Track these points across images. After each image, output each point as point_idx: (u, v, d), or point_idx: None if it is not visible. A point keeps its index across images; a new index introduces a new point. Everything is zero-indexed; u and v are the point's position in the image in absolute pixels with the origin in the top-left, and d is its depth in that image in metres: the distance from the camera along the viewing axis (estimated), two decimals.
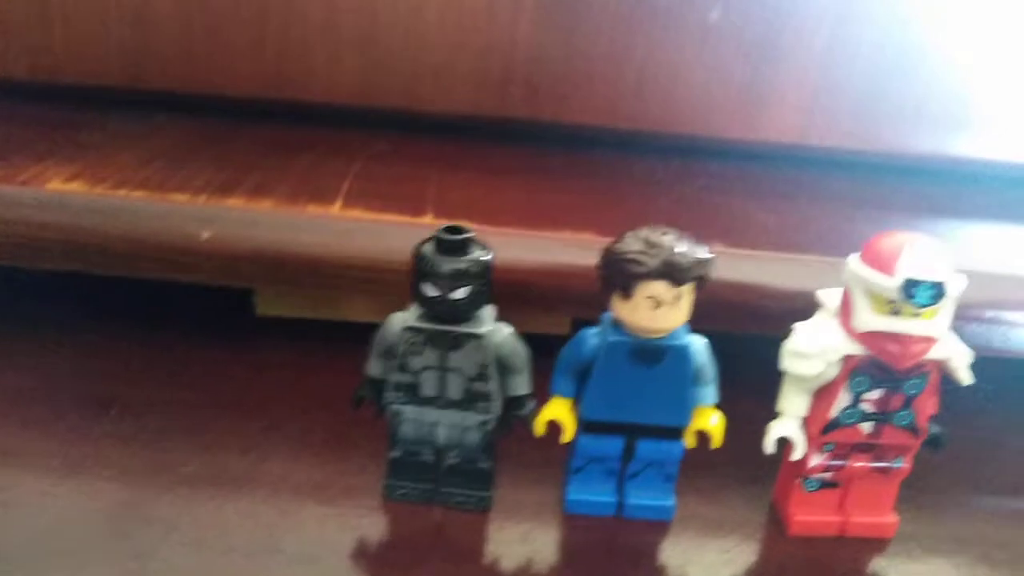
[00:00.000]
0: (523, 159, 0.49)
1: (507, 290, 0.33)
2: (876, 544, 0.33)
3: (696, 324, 0.30)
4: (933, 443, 0.31)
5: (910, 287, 0.27)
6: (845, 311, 0.29)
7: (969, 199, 0.49)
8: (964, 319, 0.34)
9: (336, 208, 0.39)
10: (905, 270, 0.27)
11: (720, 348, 0.31)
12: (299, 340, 0.43)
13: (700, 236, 0.29)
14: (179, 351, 0.42)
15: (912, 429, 0.31)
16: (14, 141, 0.44)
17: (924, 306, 0.27)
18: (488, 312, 0.30)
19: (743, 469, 0.35)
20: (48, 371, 0.39)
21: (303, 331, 0.44)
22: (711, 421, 0.31)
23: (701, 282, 0.28)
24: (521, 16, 0.48)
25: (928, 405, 0.30)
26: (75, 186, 0.39)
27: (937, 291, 0.27)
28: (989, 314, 0.39)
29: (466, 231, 0.28)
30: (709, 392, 0.31)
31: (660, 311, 0.28)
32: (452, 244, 0.28)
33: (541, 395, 0.32)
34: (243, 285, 0.40)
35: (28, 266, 0.39)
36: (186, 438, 0.35)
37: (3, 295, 0.44)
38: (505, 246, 0.33)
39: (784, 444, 0.31)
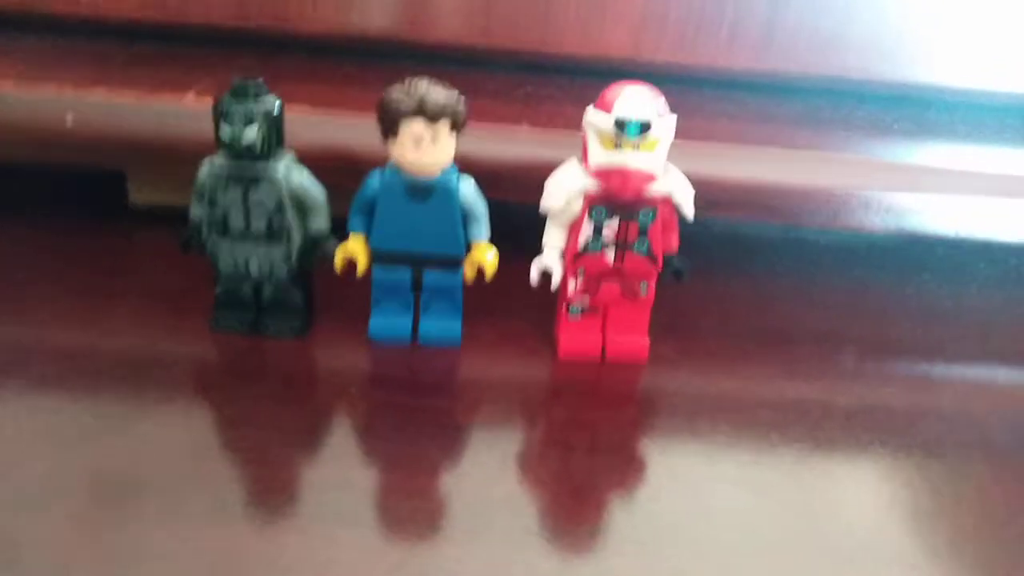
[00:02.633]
0: (378, 73, 0.54)
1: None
2: (636, 365, 0.39)
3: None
4: (676, 274, 0.37)
5: (622, 122, 0.33)
6: (584, 153, 0.35)
7: (773, 108, 0.55)
8: None
9: (189, 97, 0.45)
10: (618, 110, 0.33)
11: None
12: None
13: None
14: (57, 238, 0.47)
15: (650, 256, 0.37)
16: None
17: (634, 138, 0.33)
18: (286, 156, 0.35)
19: (530, 307, 0.41)
20: None
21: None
22: (487, 256, 0.37)
23: (455, 123, 0.34)
24: None
25: (663, 237, 0.36)
26: None
27: (644, 125, 0.33)
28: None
29: (256, 79, 0.33)
30: (480, 229, 0.36)
31: (421, 148, 0.34)
32: (243, 90, 0.33)
33: None
34: (108, 166, 0.45)
35: None
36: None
37: None
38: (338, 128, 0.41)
39: (547, 275, 0.37)
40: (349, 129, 0.44)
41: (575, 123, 0.42)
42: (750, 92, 0.55)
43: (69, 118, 0.43)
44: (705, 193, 0.38)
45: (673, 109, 0.35)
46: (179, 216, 0.48)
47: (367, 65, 0.55)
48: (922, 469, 0.34)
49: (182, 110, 0.44)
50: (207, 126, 0.44)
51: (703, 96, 0.54)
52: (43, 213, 0.49)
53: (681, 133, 0.35)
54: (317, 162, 0.39)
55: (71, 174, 0.45)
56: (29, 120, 0.43)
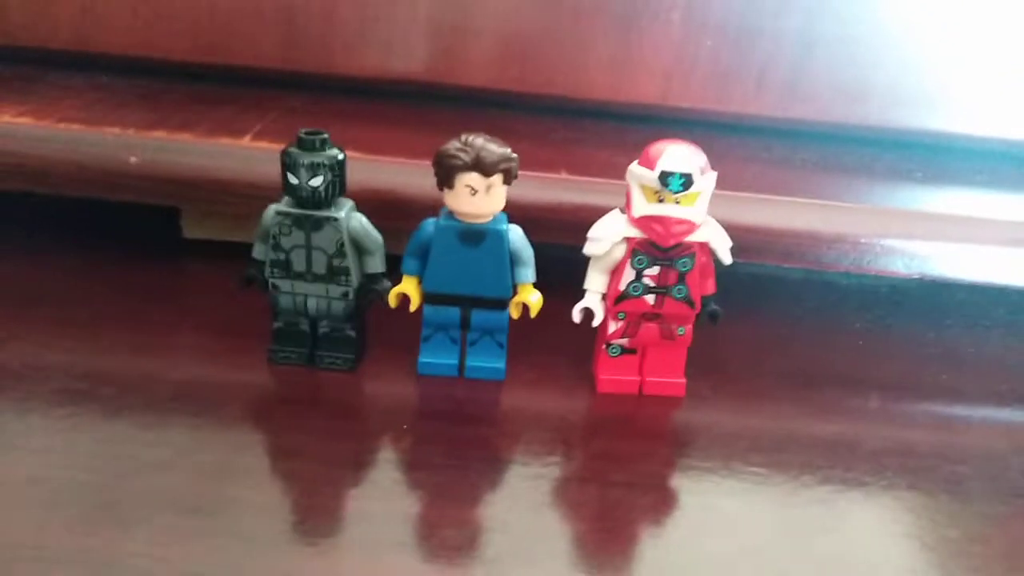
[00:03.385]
0: (419, 115, 0.57)
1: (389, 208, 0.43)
2: (672, 401, 0.41)
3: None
4: (712, 317, 0.39)
5: (665, 177, 0.35)
6: (628, 204, 0.37)
7: (798, 154, 0.57)
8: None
9: (246, 140, 0.47)
10: (662, 164, 0.35)
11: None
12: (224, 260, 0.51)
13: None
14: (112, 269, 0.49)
15: (687, 301, 0.39)
16: None
17: (676, 192, 0.35)
18: (346, 203, 0.38)
19: (570, 345, 0.43)
20: None
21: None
22: (531, 297, 0.39)
23: (508, 176, 0.36)
24: None
25: (700, 282, 0.38)
26: (23, 120, 0.46)
27: (686, 180, 0.35)
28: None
29: (322, 132, 0.36)
30: (527, 272, 0.38)
31: (476, 198, 0.36)
32: (310, 142, 0.35)
33: None
34: (167, 203, 0.48)
35: None
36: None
37: None
38: (386, 172, 0.44)
39: (588, 315, 0.39)
40: (393, 172, 0.46)
41: (607, 167, 0.44)
42: (776, 138, 0.57)
43: (133, 159, 0.45)
44: (735, 239, 0.40)
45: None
46: (229, 250, 0.51)
47: (407, 107, 0.58)
48: (947, 509, 0.35)
49: (238, 151, 0.46)
50: (259, 166, 0.46)
51: (730, 142, 0.56)
52: (98, 244, 0.51)
53: None
54: (361, 203, 0.40)
55: (125, 207, 0.48)
56: (95, 159, 0.46)
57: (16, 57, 0.57)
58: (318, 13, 0.57)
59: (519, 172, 0.37)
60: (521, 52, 0.58)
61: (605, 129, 0.58)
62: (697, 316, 0.39)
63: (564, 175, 0.47)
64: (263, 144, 0.47)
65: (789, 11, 0.55)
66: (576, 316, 0.39)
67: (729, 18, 0.56)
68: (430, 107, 0.59)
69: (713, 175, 0.36)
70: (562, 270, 0.40)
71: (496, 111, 0.59)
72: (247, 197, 0.46)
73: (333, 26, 0.57)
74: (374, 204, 0.42)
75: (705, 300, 0.39)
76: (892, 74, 0.56)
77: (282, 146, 0.36)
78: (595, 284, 0.39)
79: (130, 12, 0.55)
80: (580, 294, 0.40)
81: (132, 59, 0.57)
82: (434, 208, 0.40)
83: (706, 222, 0.37)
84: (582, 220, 0.41)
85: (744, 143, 0.56)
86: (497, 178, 0.36)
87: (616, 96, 0.58)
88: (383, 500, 0.33)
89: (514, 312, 0.39)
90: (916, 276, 0.47)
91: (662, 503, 0.35)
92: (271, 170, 0.44)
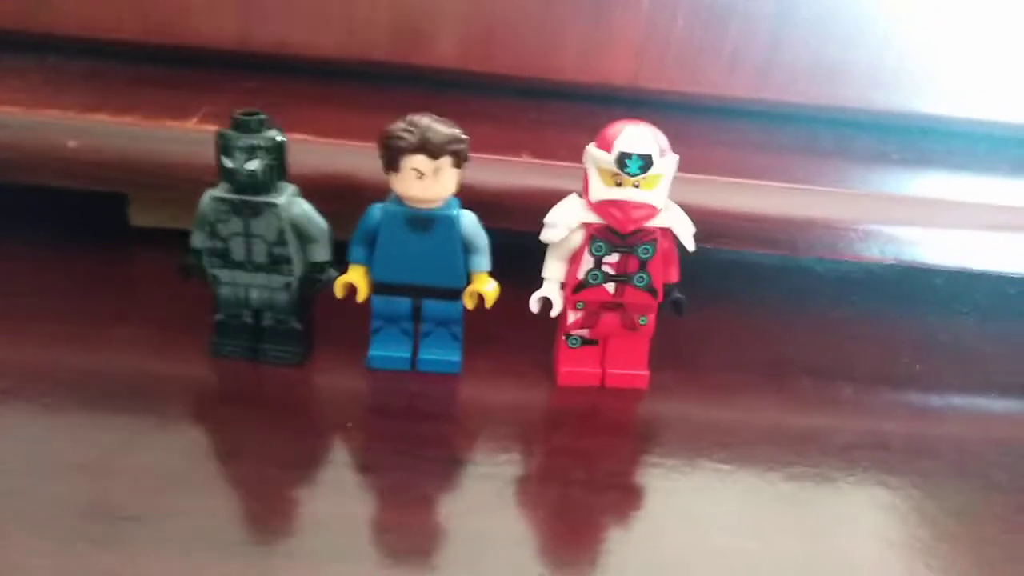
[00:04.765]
0: (381, 96, 0.55)
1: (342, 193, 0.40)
2: (635, 393, 0.39)
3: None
4: (676, 306, 0.38)
5: (623, 159, 0.33)
6: (585, 188, 0.36)
7: (773, 136, 0.55)
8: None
9: (192, 123, 0.45)
10: (620, 146, 0.33)
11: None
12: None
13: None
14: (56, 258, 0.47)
15: (649, 290, 0.37)
16: None
17: (635, 175, 0.33)
18: (287, 188, 0.36)
19: (529, 337, 0.40)
20: None
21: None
22: (487, 287, 0.37)
23: (457, 158, 0.34)
24: None
25: (662, 270, 0.37)
26: None
27: (645, 162, 0.33)
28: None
29: (259, 113, 0.34)
30: (481, 260, 0.37)
31: (423, 182, 0.34)
32: (246, 123, 0.33)
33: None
34: (107, 189, 0.45)
35: None
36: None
37: None
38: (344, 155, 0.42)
39: (546, 305, 0.37)
40: (350, 155, 0.44)
41: (575, 150, 0.42)
42: (750, 120, 0.55)
43: (72, 142, 0.43)
44: (704, 225, 0.38)
45: (673, 137, 0.35)
46: (179, 238, 0.48)
47: (368, 89, 0.56)
48: (921, 503, 0.34)
49: (185, 135, 0.44)
50: (209, 151, 0.44)
51: (703, 124, 0.54)
52: (42, 232, 0.49)
53: (681, 163, 0.36)
54: (317, 188, 0.39)
55: (71, 194, 0.45)
56: (33, 143, 0.43)
57: None
58: None
59: (482, 155, 0.35)
60: (488, 32, 0.56)
61: (574, 111, 0.56)
62: (660, 305, 0.37)
63: (527, 158, 0.45)
64: (211, 127, 0.44)
65: None
66: (534, 306, 0.37)
67: None
68: (394, 89, 0.57)
69: (674, 157, 0.34)
70: (523, 258, 0.38)
71: (462, 93, 0.57)
72: (194, 183, 0.43)
73: (292, 4, 0.54)
74: (330, 189, 0.40)
75: (668, 288, 0.37)
76: (870, 54, 0.54)
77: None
78: (553, 272, 0.37)
79: None
80: (540, 283, 0.38)
81: (82, 39, 0.55)
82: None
83: (668, 207, 0.36)
84: (545, 205, 0.39)
85: (717, 125, 0.54)
86: (445, 160, 0.34)
87: (586, 77, 0.56)
88: (332, 503, 0.32)
89: (468, 302, 0.37)
90: (891, 261, 0.45)
91: (625, 502, 0.34)
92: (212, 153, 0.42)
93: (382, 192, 0.42)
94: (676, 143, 0.36)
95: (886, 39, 0.54)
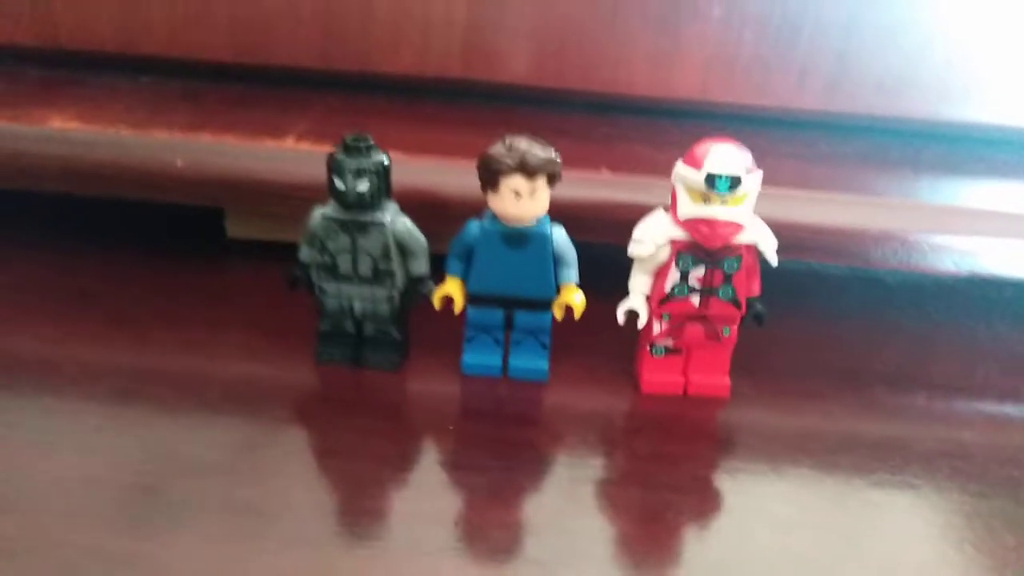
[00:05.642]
0: (456, 113, 0.57)
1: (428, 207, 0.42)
2: (717, 401, 0.41)
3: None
4: (757, 318, 0.39)
5: (712, 179, 0.35)
6: (673, 205, 0.37)
7: (842, 149, 0.56)
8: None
9: (289, 141, 0.47)
10: (709, 166, 0.35)
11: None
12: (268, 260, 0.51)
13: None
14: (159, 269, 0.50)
15: (733, 302, 0.38)
16: (22, 94, 0.52)
17: (723, 193, 0.35)
18: (391, 206, 0.38)
19: (614, 346, 0.42)
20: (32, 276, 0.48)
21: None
22: (575, 298, 0.39)
23: (552, 178, 0.36)
24: None
25: (746, 283, 0.38)
26: (72, 124, 0.47)
27: (734, 182, 0.35)
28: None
29: (367, 137, 0.36)
30: (570, 273, 0.38)
31: (520, 201, 0.36)
32: (355, 148, 0.36)
33: None
34: (209, 204, 0.48)
35: (33, 188, 0.47)
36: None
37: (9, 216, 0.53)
38: (425, 172, 0.44)
39: (633, 316, 0.39)
40: (433, 172, 0.46)
41: (648, 164, 0.44)
42: (819, 133, 0.56)
43: (180, 161, 0.46)
44: (777, 236, 0.39)
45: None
46: (273, 249, 0.51)
47: (444, 105, 0.58)
48: (1002, 513, 0.35)
49: (282, 153, 0.47)
50: (302, 168, 0.47)
51: (772, 138, 0.55)
52: (144, 245, 0.52)
53: None
54: (402, 203, 0.40)
55: (168, 208, 0.48)
56: (143, 162, 0.46)
57: (60, 61, 0.58)
58: (355, 11, 0.57)
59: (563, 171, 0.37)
60: (559, 48, 0.57)
61: (645, 125, 0.57)
62: (742, 317, 0.39)
63: (605, 173, 0.47)
64: (305, 146, 0.47)
65: (832, 1, 0.54)
66: (620, 317, 0.39)
67: (770, 10, 0.55)
68: (468, 105, 0.59)
69: (759, 174, 0.36)
70: (605, 269, 0.39)
71: (534, 108, 0.59)
72: (290, 198, 0.46)
73: (370, 24, 0.57)
74: (413, 204, 0.43)
75: (750, 301, 0.39)
76: (939, 65, 0.55)
77: (324, 147, 0.37)
78: (639, 285, 0.39)
79: (170, 12, 0.56)
80: (624, 293, 0.39)
81: (172, 60, 0.58)
82: (474, 208, 0.40)
83: (752, 222, 0.37)
84: (624, 218, 0.41)
85: (786, 138, 0.55)
86: (541, 181, 0.36)
87: (655, 92, 0.58)
88: (430, 501, 0.34)
89: (558, 313, 0.39)
90: (966, 274, 0.46)
91: (708, 505, 0.35)
92: (313, 171, 0.44)
93: (463, 206, 0.44)
94: (761, 171, 0.37)
95: (953, 51, 0.54)
